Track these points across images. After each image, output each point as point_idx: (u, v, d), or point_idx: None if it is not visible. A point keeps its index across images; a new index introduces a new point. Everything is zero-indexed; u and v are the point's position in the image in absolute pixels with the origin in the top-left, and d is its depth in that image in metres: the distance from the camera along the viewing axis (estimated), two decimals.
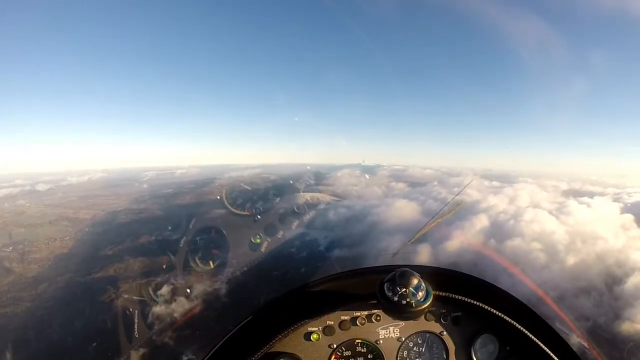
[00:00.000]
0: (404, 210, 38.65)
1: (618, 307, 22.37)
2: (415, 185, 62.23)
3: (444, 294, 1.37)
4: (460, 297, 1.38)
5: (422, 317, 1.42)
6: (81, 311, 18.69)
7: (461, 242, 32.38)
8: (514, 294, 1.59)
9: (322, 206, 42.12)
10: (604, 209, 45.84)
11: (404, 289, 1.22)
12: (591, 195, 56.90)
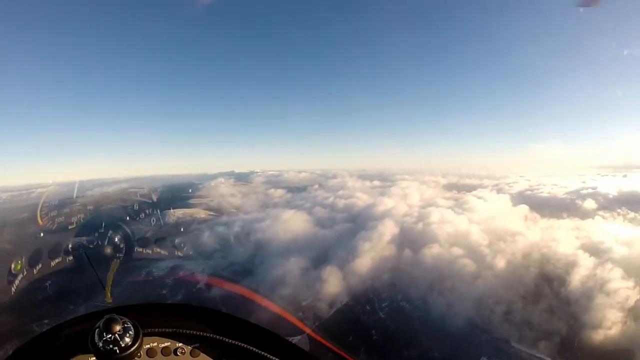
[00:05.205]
0: (293, 222, 32.48)
1: (576, 313, 19.17)
2: (294, 190, 58.49)
3: (156, 329, 1.42)
4: (172, 330, 1.44)
5: (160, 354, 1.44)
6: None
7: (372, 258, 26.87)
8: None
9: (195, 225, 32.30)
10: (499, 201, 46.72)
11: (109, 335, 1.24)
12: (472, 187, 58.33)
